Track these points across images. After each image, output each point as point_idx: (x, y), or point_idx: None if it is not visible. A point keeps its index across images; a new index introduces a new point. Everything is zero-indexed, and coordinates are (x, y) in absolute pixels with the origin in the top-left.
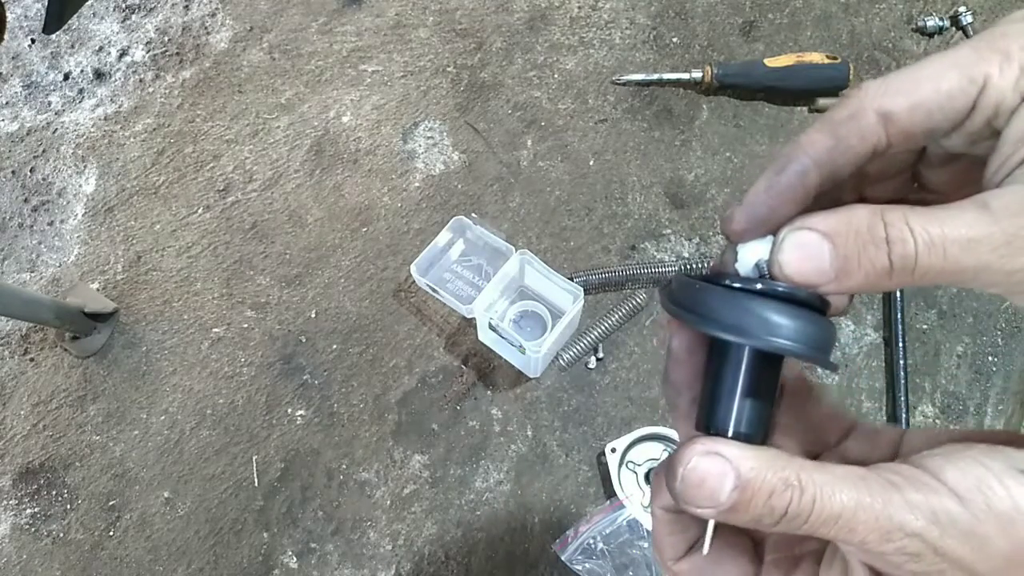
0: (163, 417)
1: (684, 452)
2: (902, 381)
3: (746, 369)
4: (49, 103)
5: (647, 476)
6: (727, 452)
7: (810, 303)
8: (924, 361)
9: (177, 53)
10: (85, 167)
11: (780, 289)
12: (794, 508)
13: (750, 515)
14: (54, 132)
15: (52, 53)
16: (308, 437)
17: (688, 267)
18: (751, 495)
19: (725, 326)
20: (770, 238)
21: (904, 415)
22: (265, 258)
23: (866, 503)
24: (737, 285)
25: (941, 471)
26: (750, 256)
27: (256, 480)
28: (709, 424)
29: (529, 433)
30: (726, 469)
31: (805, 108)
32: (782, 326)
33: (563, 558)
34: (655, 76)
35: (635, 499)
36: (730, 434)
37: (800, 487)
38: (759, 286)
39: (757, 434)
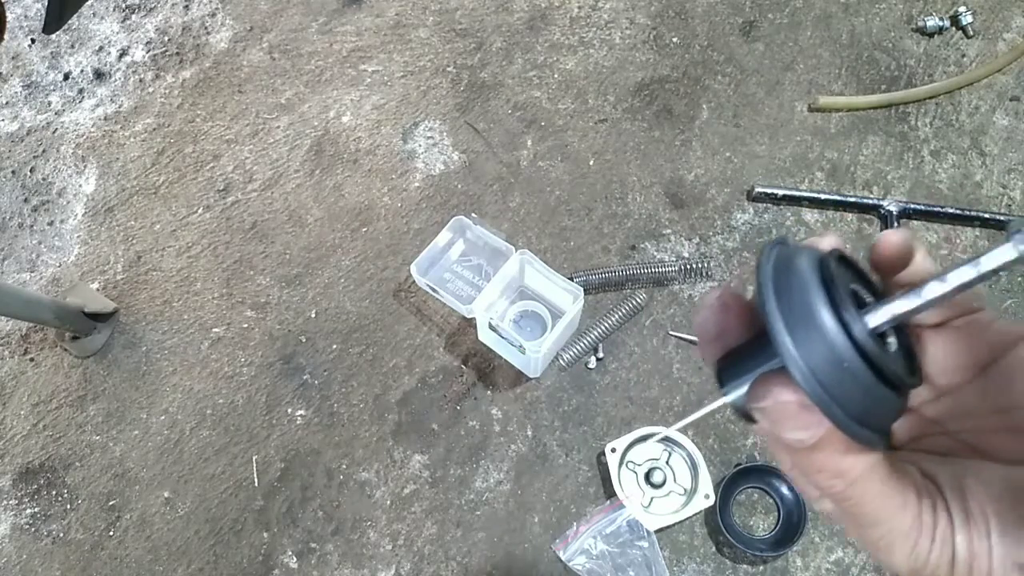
0: (163, 417)
1: (782, 387)
2: None
3: None
4: (49, 103)
5: (647, 476)
6: (820, 418)
7: (889, 375)
8: None
9: (177, 53)
10: (85, 167)
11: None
12: (832, 492)
13: (799, 468)
14: (54, 132)
15: (52, 53)
16: (308, 437)
17: (689, 267)
18: (810, 456)
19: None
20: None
21: None
22: (265, 258)
23: (880, 529)
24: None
25: (958, 531)
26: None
27: (256, 480)
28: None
29: (529, 433)
30: (812, 422)
31: (805, 107)
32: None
33: (563, 558)
34: None
35: (635, 499)
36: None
37: (848, 482)
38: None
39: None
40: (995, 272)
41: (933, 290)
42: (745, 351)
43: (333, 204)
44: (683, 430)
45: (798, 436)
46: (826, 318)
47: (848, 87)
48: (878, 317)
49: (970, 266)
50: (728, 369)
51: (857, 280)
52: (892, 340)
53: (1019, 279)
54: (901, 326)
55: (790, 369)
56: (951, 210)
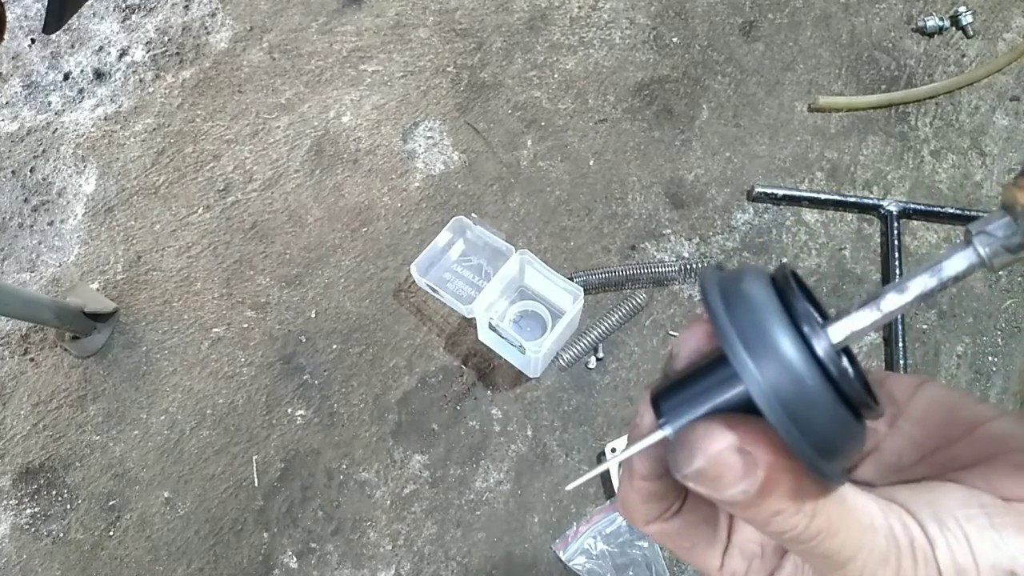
0: (163, 417)
1: (709, 438)
2: None
3: None
4: (49, 103)
5: None
6: (760, 456)
7: (851, 402)
8: (924, 361)
9: (177, 53)
10: (85, 167)
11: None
12: (795, 532)
13: (754, 523)
14: (54, 132)
15: (52, 53)
16: (308, 437)
17: (689, 267)
18: (762, 501)
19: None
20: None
21: None
22: (265, 258)
23: (857, 562)
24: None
25: (937, 545)
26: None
27: (256, 480)
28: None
29: (529, 433)
30: (750, 467)
31: (805, 107)
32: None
33: (563, 558)
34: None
35: None
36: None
37: (810, 515)
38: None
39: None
40: (956, 279)
41: (892, 302)
42: (690, 379)
43: (333, 204)
44: None
45: (742, 488)
46: (783, 335)
47: (848, 87)
48: (837, 332)
49: (929, 274)
50: (669, 399)
51: (808, 299)
52: (848, 367)
53: (1019, 279)
54: (852, 358)
55: (751, 391)
56: (951, 210)
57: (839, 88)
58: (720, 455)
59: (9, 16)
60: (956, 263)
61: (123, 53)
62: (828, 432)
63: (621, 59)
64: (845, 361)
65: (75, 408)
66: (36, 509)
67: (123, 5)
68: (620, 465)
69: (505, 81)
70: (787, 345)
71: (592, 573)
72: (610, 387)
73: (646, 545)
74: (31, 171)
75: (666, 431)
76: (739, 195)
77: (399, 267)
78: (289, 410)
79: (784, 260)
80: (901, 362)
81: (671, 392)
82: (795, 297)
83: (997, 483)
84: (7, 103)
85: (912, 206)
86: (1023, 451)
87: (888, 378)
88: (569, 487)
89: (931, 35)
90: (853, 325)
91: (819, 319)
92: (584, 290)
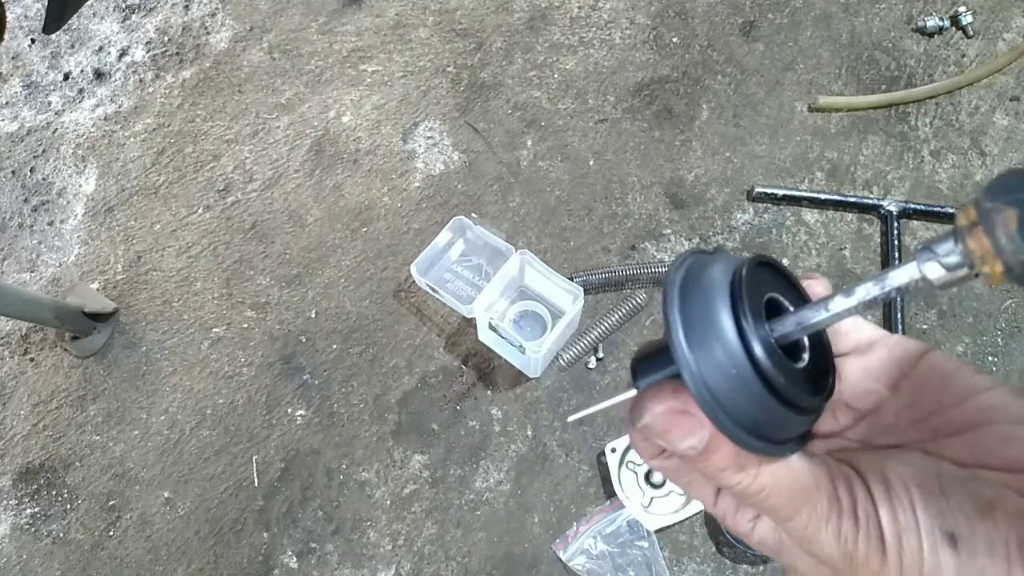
0: (163, 417)
1: (655, 400)
2: None
3: None
4: (49, 103)
5: (647, 476)
6: (706, 419)
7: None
8: None
9: (177, 53)
10: (85, 167)
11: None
12: (740, 487)
13: (707, 475)
14: (54, 132)
15: (52, 53)
16: (308, 437)
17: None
18: (708, 457)
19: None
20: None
21: None
22: (265, 258)
23: (802, 516)
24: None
25: (880, 505)
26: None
27: (256, 480)
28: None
29: (529, 433)
30: (694, 427)
31: (805, 107)
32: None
33: (563, 558)
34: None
35: (635, 499)
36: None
37: (753, 474)
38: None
39: None
40: (900, 290)
41: (839, 304)
42: (657, 351)
43: (333, 204)
44: None
45: (689, 443)
46: (722, 324)
47: (848, 87)
48: (782, 327)
49: (874, 283)
50: (640, 366)
51: (782, 288)
52: (806, 356)
53: None
54: (824, 344)
55: (680, 369)
56: (951, 210)
57: (839, 88)
58: (660, 415)
59: (9, 16)
60: (899, 275)
61: (123, 53)
62: (755, 416)
63: (621, 59)
64: (805, 355)
65: (75, 408)
66: (36, 509)
67: (123, 5)
68: (623, 457)
69: (505, 81)
70: (722, 337)
71: (592, 573)
72: (610, 387)
73: (646, 545)
74: (31, 171)
75: (637, 390)
76: (739, 195)
77: (399, 267)
78: (289, 410)
79: (758, 253)
80: None
81: (646, 359)
82: (742, 293)
83: (980, 451)
84: (7, 103)
85: (912, 206)
86: (1009, 423)
87: (898, 344)
88: (570, 419)
89: (931, 35)
90: (800, 320)
91: (790, 307)
92: (584, 290)
